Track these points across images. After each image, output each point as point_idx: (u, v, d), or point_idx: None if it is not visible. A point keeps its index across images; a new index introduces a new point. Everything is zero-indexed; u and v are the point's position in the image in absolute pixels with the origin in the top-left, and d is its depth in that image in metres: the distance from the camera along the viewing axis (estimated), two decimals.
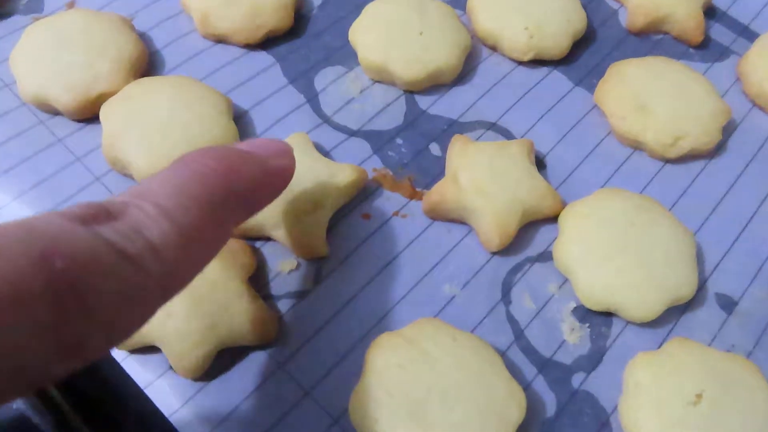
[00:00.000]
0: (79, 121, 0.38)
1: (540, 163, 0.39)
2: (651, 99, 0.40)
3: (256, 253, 0.34)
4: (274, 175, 0.25)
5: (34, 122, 0.37)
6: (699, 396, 0.29)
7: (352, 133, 0.39)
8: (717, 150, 0.41)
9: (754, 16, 0.49)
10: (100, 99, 0.37)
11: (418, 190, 0.37)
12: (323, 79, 0.42)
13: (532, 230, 0.36)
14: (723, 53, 0.46)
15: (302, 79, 0.41)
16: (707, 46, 0.47)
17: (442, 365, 0.29)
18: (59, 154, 0.36)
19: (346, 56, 0.43)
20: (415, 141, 0.39)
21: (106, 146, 0.35)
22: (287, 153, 0.26)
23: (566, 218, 0.35)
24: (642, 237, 0.34)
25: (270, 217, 0.33)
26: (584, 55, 0.45)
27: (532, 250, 0.36)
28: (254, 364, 0.31)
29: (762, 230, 0.38)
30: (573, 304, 0.34)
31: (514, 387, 0.29)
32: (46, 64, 0.37)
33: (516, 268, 0.35)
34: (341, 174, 0.35)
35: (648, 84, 0.40)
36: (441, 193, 0.35)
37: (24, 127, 0.37)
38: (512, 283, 0.34)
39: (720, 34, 0.47)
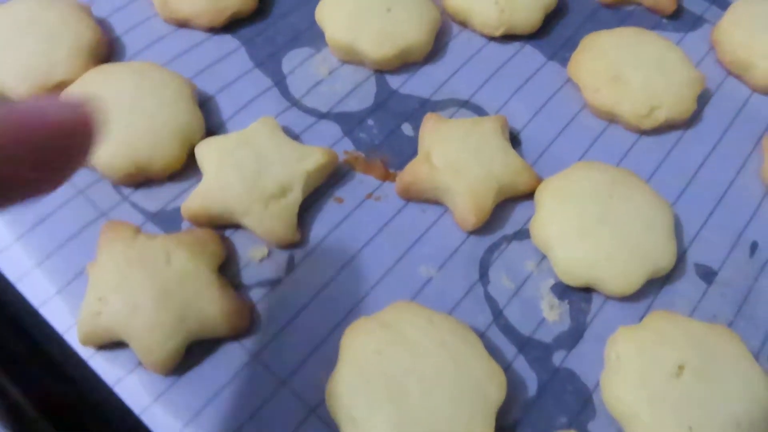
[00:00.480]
0: None
1: (515, 140, 0.38)
2: (625, 70, 0.39)
3: (226, 242, 0.33)
4: (48, 131, 0.17)
5: None
6: (681, 367, 0.28)
7: (321, 116, 0.38)
8: (692, 120, 0.40)
9: None
10: (59, 88, 0.36)
11: (391, 171, 0.36)
12: (291, 61, 0.40)
13: (508, 208, 0.36)
14: (696, 22, 0.46)
15: (269, 62, 0.40)
16: (680, 15, 0.46)
17: (420, 348, 0.28)
18: None
19: (314, 37, 0.41)
20: (387, 122, 0.38)
21: None
22: (76, 105, 0.18)
23: (542, 194, 0.34)
24: (619, 210, 0.33)
25: (238, 203, 0.32)
26: (556, 28, 0.44)
27: (509, 228, 0.35)
28: (227, 356, 0.30)
29: (739, 199, 0.37)
30: (552, 281, 0.33)
31: (493, 367, 0.28)
32: (0, 53, 0.36)
33: (493, 247, 0.34)
34: (311, 157, 0.34)
35: (621, 55, 0.40)
36: (414, 172, 0.34)
37: None
38: (489, 263, 0.34)
39: (692, 3, 0.47)
